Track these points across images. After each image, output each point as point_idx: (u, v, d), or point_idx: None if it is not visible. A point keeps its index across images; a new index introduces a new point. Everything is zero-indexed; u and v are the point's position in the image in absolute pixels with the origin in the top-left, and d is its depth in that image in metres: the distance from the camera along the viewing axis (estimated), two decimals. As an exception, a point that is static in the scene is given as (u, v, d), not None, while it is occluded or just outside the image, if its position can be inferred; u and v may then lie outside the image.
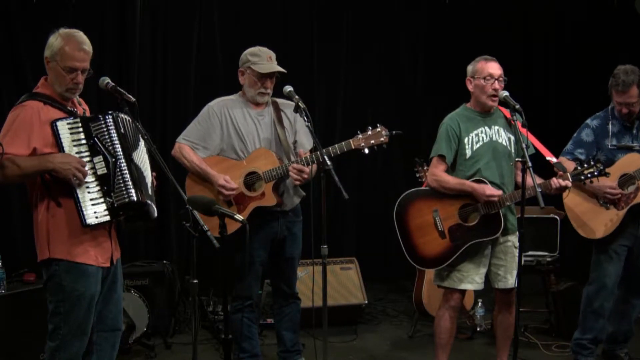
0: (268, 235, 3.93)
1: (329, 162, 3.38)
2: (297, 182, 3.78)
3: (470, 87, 3.81)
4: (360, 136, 3.76)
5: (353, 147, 3.76)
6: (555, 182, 3.68)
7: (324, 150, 3.42)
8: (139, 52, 5.92)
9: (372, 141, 3.75)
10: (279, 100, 3.98)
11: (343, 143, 3.75)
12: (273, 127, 3.92)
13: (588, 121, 4.19)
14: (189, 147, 3.89)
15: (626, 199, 3.99)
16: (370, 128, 3.77)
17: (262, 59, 3.84)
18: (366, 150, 3.77)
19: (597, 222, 4.05)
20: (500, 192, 3.66)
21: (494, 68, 3.75)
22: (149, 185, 3.14)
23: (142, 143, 3.14)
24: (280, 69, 3.85)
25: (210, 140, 3.89)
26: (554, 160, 3.84)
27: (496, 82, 3.73)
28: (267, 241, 3.94)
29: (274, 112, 3.95)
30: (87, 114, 3.17)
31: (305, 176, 3.75)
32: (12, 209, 5.55)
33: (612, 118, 4.11)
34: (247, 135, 3.88)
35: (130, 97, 3.03)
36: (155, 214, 3.17)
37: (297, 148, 4.01)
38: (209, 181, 3.84)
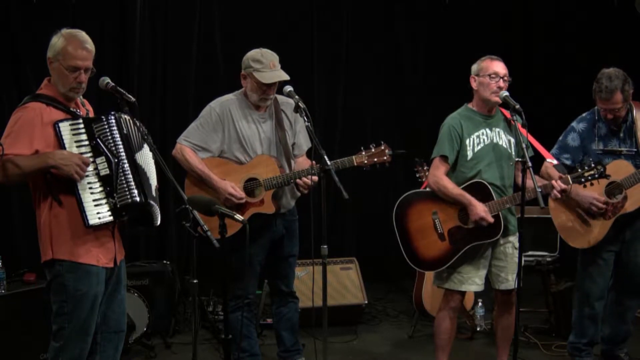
0: (266, 236, 3.93)
1: (329, 163, 3.38)
2: (304, 192, 3.83)
3: (474, 84, 3.80)
4: (363, 153, 3.79)
5: (356, 164, 3.79)
6: (555, 184, 3.67)
7: (323, 151, 3.42)
8: (139, 53, 5.91)
9: (375, 159, 3.78)
10: (280, 99, 3.95)
11: (346, 159, 3.78)
12: (274, 130, 3.92)
13: (574, 124, 4.11)
14: (191, 150, 3.87)
15: (614, 209, 3.92)
16: (373, 145, 3.79)
17: (265, 66, 3.78)
18: (368, 168, 3.79)
19: (584, 231, 4.00)
20: (492, 220, 3.64)
21: (499, 67, 3.74)
22: (153, 186, 3.14)
23: (146, 144, 3.13)
24: (284, 76, 3.79)
25: (211, 142, 3.88)
26: (554, 162, 3.82)
27: (501, 80, 3.72)
28: (266, 242, 3.95)
29: (275, 113, 3.94)
30: (91, 114, 3.17)
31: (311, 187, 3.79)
32: (12, 209, 5.55)
33: (599, 120, 4.02)
34: (249, 139, 3.87)
35: (130, 97, 3.03)
36: (159, 220, 3.17)
37: (295, 150, 4.01)
38: (211, 186, 3.83)
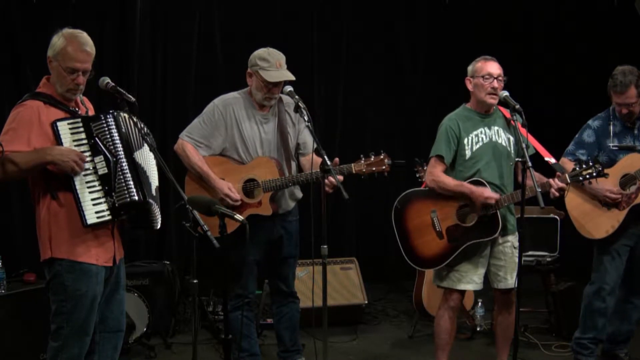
0: (263, 235, 3.92)
1: (328, 162, 3.38)
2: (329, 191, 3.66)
3: (469, 86, 3.81)
4: (362, 161, 3.77)
5: (354, 171, 3.76)
6: (552, 183, 3.68)
7: (324, 151, 3.42)
8: (139, 52, 5.92)
9: (374, 168, 3.76)
10: (285, 99, 3.95)
11: (344, 167, 3.76)
12: (276, 131, 3.92)
13: (589, 122, 4.20)
14: (192, 146, 3.87)
15: (627, 199, 3.99)
16: (373, 154, 3.77)
17: (272, 65, 3.79)
18: (366, 177, 3.77)
19: (599, 222, 4.05)
20: (497, 196, 3.65)
21: (493, 67, 3.75)
22: (153, 186, 3.13)
23: (146, 144, 3.12)
24: (289, 76, 3.79)
25: (213, 140, 3.88)
26: (552, 161, 3.84)
27: (495, 81, 3.72)
28: (262, 241, 3.94)
29: (278, 113, 3.93)
30: (91, 112, 3.16)
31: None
32: (12, 209, 5.55)
33: (614, 118, 4.11)
34: (250, 139, 3.87)
35: (130, 97, 3.03)
36: (159, 223, 3.17)
37: (301, 148, 4.01)
38: (209, 185, 3.83)
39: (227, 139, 3.88)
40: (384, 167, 3.77)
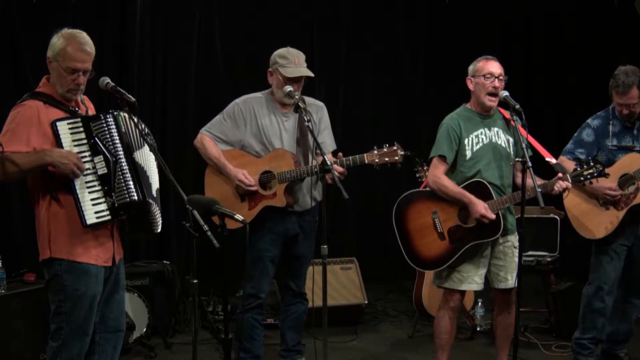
0: (279, 232, 3.95)
1: (329, 162, 3.39)
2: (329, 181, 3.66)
3: (470, 86, 3.81)
4: (375, 152, 3.79)
5: (367, 161, 3.78)
6: (557, 184, 3.67)
7: (324, 151, 3.43)
8: (139, 52, 5.92)
9: (386, 159, 3.77)
10: (306, 99, 4.00)
11: (357, 157, 3.78)
12: (296, 129, 3.94)
13: (589, 121, 4.20)
14: (211, 140, 3.97)
15: (626, 199, 3.99)
16: (386, 145, 3.78)
17: (290, 62, 3.86)
18: (378, 167, 3.78)
19: (597, 222, 4.06)
20: (493, 217, 3.64)
21: (494, 67, 3.75)
22: (154, 186, 3.13)
23: (147, 144, 3.12)
24: (307, 73, 3.85)
25: (232, 136, 3.96)
26: (553, 161, 3.84)
27: (496, 80, 3.72)
28: (278, 238, 3.96)
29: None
30: (91, 111, 3.16)
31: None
32: (12, 209, 5.54)
33: (613, 118, 4.12)
34: (269, 136, 3.91)
35: (130, 97, 3.02)
36: (160, 226, 3.16)
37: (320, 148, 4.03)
38: (224, 174, 3.92)
39: (246, 134, 3.94)
40: (396, 158, 3.79)
